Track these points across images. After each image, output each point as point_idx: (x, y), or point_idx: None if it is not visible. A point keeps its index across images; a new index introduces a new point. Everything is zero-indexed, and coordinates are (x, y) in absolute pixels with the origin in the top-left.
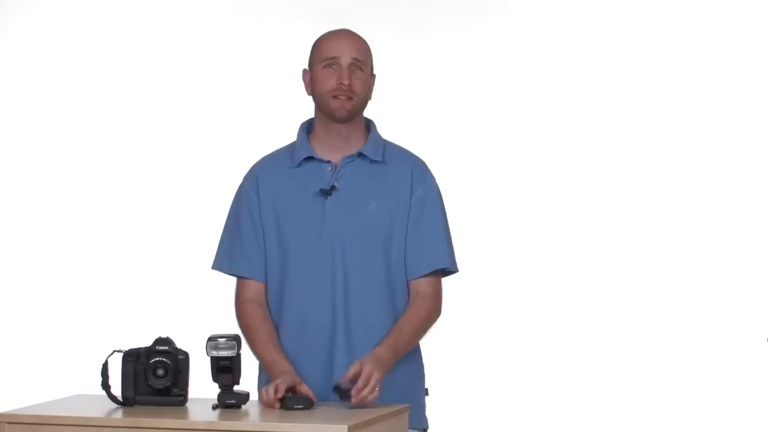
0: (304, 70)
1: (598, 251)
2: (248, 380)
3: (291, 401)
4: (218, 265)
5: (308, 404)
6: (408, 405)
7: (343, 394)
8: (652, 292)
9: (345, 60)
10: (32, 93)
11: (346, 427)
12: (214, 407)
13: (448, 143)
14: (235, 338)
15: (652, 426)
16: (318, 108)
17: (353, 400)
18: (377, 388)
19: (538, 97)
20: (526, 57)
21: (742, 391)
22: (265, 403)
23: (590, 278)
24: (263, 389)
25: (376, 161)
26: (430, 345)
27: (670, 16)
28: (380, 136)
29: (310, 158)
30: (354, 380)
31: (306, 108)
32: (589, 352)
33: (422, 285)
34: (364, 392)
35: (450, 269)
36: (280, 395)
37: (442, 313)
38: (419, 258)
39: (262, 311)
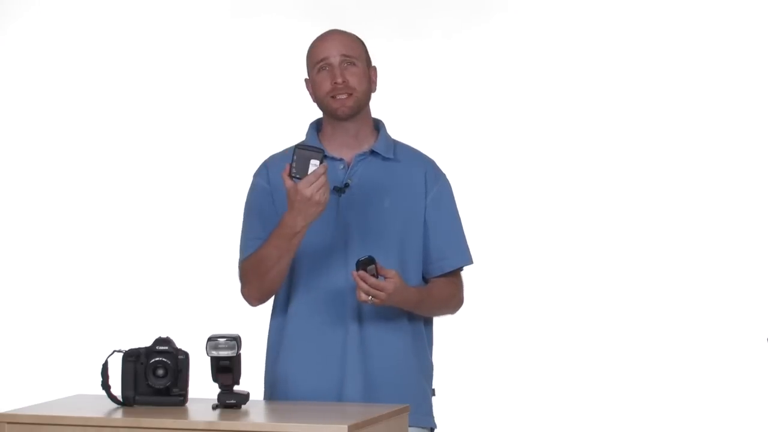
0: (306, 80)
1: (599, 252)
2: (248, 380)
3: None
4: (242, 257)
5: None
6: (408, 405)
7: (360, 266)
8: (652, 291)
9: (335, 59)
10: (32, 93)
11: (346, 427)
12: (214, 407)
13: (445, 143)
14: (235, 338)
15: (652, 426)
16: (323, 112)
17: (358, 280)
18: (373, 298)
19: (536, 97)
20: (524, 57)
21: (742, 391)
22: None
23: (593, 279)
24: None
25: (388, 159)
26: (436, 344)
27: (667, 17)
28: (389, 135)
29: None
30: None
31: (309, 108)
32: (592, 352)
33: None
34: (365, 289)
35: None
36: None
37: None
38: (443, 256)
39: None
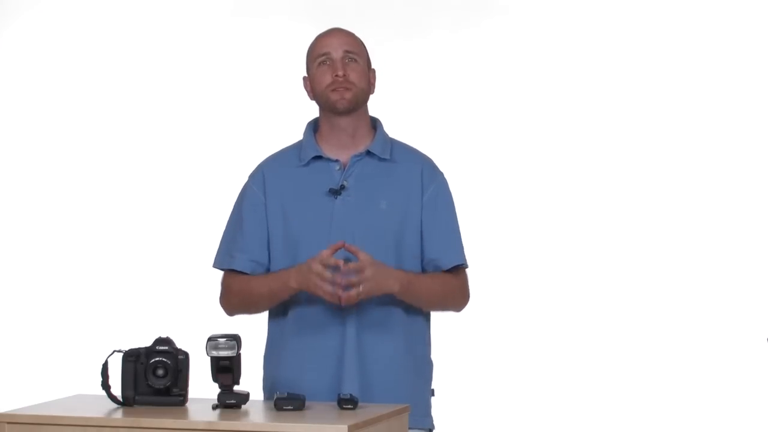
0: (304, 77)
1: (599, 252)
2: (248, 380)
3: (281, 402)
4: (219, 262)
5: (299, 405)
6: (408, 405)
7: (342, 404)
8: (652, 291)
9: (336, 54)
10: (32, 93)
11: (346, 427)
12: (214, 407)
13: (446, 142)
14: (235, 338)
15: (653, 426)
16: (321, 108)
17: (340, 279)
18: (358, 289)
19: (536, 97)
20: (524, 57)
21: (742, 391)
22: (330, 297)
23: (593, 279)
24: (319, 280)
25: (384, 159)
26: (435, 343)
27: (668, 17)
28: (386, 134)
29: (317, 157)
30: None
31: (307, 108)
32: (591, 351)
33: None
34: (347, 282)
35: (465, 264)
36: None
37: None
38: (438, 256)
39: (246, 277)
